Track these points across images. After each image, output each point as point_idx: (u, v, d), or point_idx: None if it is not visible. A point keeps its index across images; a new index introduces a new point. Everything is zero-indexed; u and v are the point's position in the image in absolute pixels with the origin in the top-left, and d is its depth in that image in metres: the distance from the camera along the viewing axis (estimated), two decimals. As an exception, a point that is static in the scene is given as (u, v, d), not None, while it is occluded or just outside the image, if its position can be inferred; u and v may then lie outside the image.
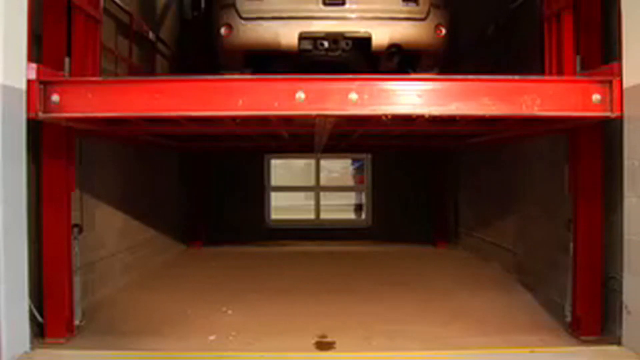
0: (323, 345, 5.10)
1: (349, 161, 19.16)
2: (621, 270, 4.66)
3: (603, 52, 5.29)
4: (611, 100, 4.60)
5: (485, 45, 8.67)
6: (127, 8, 7.40)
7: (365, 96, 4.46)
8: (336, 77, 4.52)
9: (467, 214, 10.23)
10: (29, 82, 4.51)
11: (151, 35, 8.27)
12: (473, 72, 4.84)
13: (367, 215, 15.34)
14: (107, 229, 6.88)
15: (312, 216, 17.16)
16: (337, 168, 20.81)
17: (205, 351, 4.96)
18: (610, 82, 4.60)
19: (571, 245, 5.30)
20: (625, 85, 4.57)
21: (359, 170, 17.25)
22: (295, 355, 4.86)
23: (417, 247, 11.24)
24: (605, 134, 5.08)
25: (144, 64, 8.24)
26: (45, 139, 4.91)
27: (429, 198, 12.07)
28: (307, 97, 4.45)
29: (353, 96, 4.45)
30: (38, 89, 4.51)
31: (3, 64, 4.31)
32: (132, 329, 5.47)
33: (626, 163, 4.61)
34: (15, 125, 4.45)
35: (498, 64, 8.12)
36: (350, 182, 19.52)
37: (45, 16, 5.18)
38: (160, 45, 8.90)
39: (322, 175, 17.58)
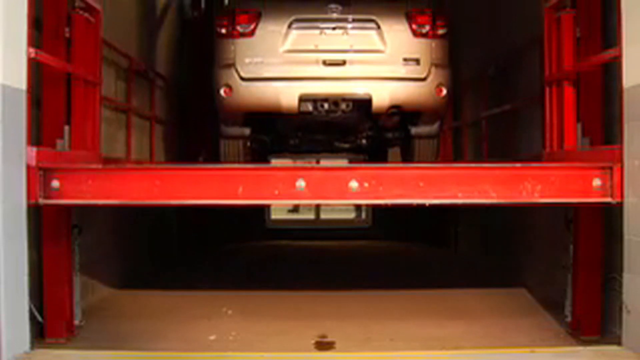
0: (323, 346, 5.11)
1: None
2: (621, 270, 4.64)
3: (604, 120, 5.31)
4: (611, 186, 4.58)
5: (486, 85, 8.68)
6: (126, 51, 7.38)
7: (366, 184, 4.45)
8: (337, 167, 4.55)
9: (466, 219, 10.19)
10: (28, 168, 4.49)
11: (150, 74, 8.25)
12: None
13: (367, 215, 15.35)
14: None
15: (312, 216, 17.17)
16: (337, 162, 20.85)
17: (205, 351, 4.98)
18: (611, 168, 4.58)
19: (571, 246, 5.27)
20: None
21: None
22: (295, 355, 4.88)
23: (419, 248, 11.30)
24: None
25: (144, 100, 8.26)
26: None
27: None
28: (307, 185, 4.43)
29: (353, 184, 4.44)
30: (38, 176, 4.50)
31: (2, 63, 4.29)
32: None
33: (626, 162, 4.57)
34: (15, 125, 4.43)
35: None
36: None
37: (46, 85, 5.19)
38: (159, 81, 8.88)
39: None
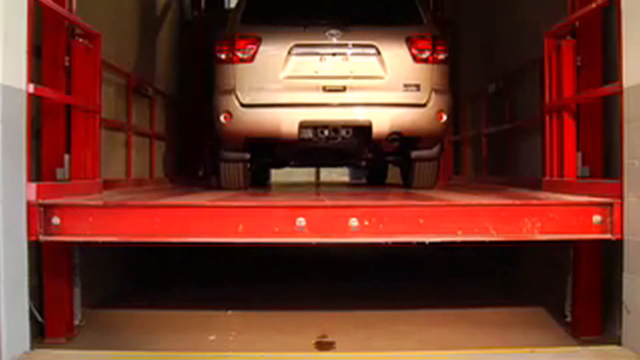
0: (323, 345, 5.11)
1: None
2: (621, 270, 4.64)
3: (604, 149, 5.32)
4: (611, 222, 4.58)
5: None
6: (126, 70, 7.38)
7: (366, 222, 4.46)
8: (337, 205, 4.54)
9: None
10: (28, 204, 4.50)
11: (150, 91, 8.24)
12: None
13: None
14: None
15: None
16: (337, 170, 20.96)
17: (205, 351, 4.98)
18: (611, 204, 4.58)
19: (570, 246, 5.27)
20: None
21: (356, 172, 17.32)
22: (295, 355, 4.87)
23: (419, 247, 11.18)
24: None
25: (143, 117, 8.26)
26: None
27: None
28: (307, 224, 4.45)
29: (353, 222, 4.45)
30: (38, 212, 4.50)
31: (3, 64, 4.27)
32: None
33: (626, 162, 4.57)
34: (14, 124, 4.40)
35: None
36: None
37: (45, 115, 5.19)
38: (158, 97, 8.87)
39: (323, 175, 17.60)
